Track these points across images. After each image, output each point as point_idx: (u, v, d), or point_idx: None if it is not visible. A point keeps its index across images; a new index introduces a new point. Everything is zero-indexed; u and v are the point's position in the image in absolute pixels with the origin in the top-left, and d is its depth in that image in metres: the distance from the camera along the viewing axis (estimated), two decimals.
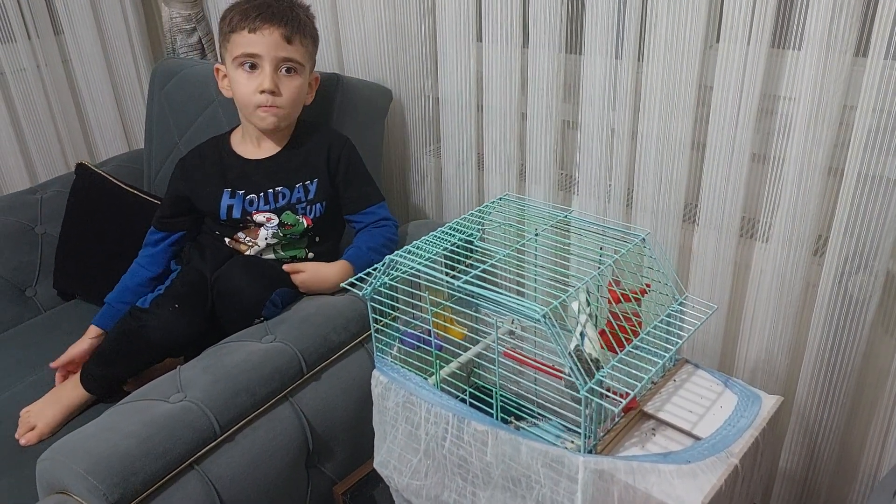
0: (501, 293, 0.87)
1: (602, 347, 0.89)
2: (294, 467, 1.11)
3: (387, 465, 1.07)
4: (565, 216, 1.07)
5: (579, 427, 0.86)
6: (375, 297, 1.01)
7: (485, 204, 1.12)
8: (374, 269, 1.00)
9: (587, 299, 0.91)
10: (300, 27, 1.27)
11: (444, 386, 1.02)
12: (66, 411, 1.19)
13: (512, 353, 1.01)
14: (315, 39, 1.33)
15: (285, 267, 1.27)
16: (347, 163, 1.33)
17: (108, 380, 1.21)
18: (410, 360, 1.03)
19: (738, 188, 1.15)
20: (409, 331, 1.04)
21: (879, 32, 0.95)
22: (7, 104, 1.81)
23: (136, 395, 1.05)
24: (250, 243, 1.32)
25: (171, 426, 0.98)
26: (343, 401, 1.17)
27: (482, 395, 1.03)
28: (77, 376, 1.22)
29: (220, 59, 1.34)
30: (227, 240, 1.33)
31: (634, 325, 0.94)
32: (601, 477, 0.84)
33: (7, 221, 1.59)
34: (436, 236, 1.05)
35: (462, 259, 1.03)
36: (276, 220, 1.30)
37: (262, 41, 1.23)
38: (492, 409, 0.96)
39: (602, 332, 0.92)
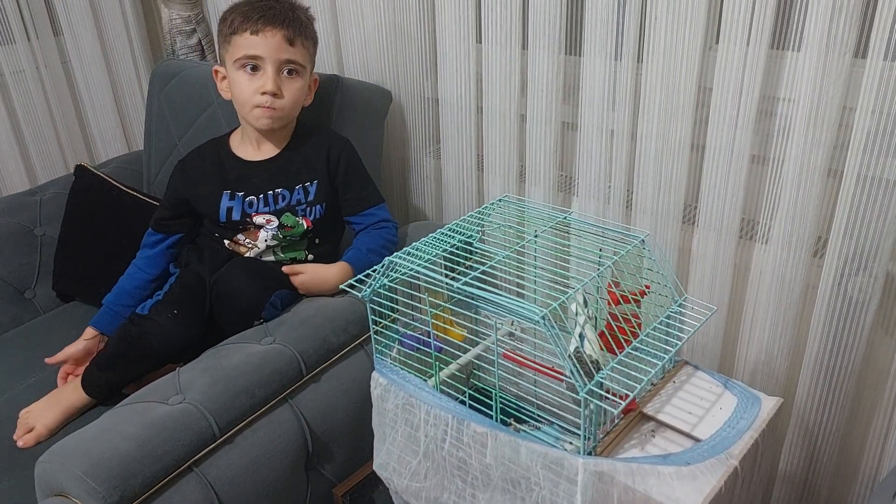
0: (501, 295, 0.87)
1: (601, 349, 0.89)
2: (293, 469, 1.11)
3: (386, 466, 1.07)
4: (565, 217, 1.07)
5: (579, 429, 0.86)
6: (375, 298, 1.01)
7: (484, 205, 1.12)
8: (374, 271, 1.00)
9: (586, 301, 0.91)
10: (302, 29, 1.27)
11: (443, 388, 1.02)
12: (66, 413, 1.19)
13: (511, 354, 1.01)
14: (315, 41, 1.33)
15: (285, 268, 1.27)
16: (347, 164, 1.33)
17: (109, 384, 1.21)
18: (410, 362, 1.03)
19: (738, 189, 1.15)
20: (409, 332, 1.04)
21: (879, 33, 0.95)
22: (6, 105, 1.81)
23: (135, 398, 1.05)
24: (250, 245, 1.32)
25: (171, 428, 0.98)
26: (343, 402, 1.17)
27: (482, 397, 1.03)
28: (78, 379, 1.22)
29: (219, 61, 1.34)
30: (226, 242, 1.33)
31: (634, 327, 0.94)
32: (601, 479, 0.84)
33: (6, 223, 1.59)
34: (435, 238, 1.05)
35: (462, 260, 1.03)
36: (275, 222, 1.30)
37: (265, 43, 1.23)
38: (491, 410, 0.96)
39: (601, 334, 0.92)
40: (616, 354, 0.89)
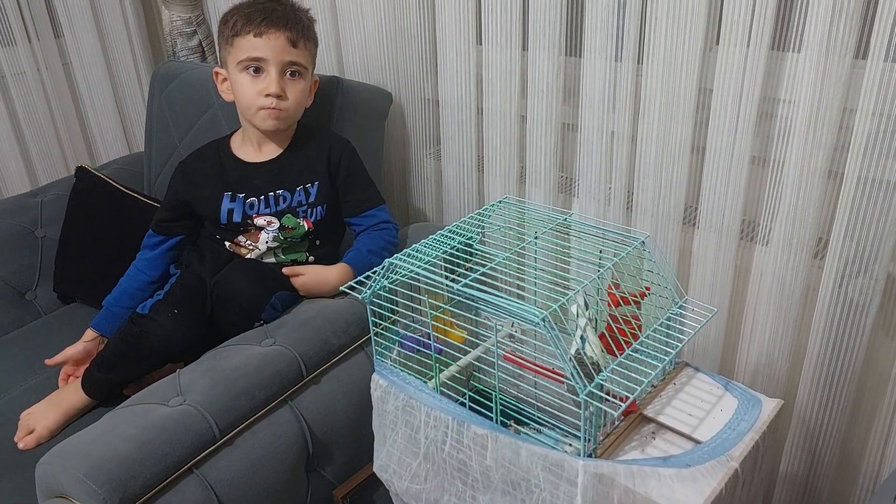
0: (501, 296, 0.87)
1: (602, 351, 0.89)
2: (294, 471, 1.11)
3: (386, 468, 1.07)
4: (565, 219, 1.07)
5: (579, 431, 0.86)
6: (375, 300, 1.01)
7: (485, 207, 1.12)
8: (374, 272, 1.00)
9: (587, 302, 0.91)
10: (304, 31, 1.28)
11: (443, 389, 1.02)
12: (66, 415, 1.19)
13: (511, 356, 1.01)
14: (316, 43, 1.34)
15: (285, 270, 1.27)
16: (348, 165, 1.33)
17: (109, 384, 1.21)
18: (410, 364, 1.03)
19: (738, 191, 1.15)
20: (409, 334, 1.04)
21: (879, 35, 0.95)
22: (7, 107, 1.81)
23: (135, 399, 1.05)
24: (251, 247, 1.32)
25: (171, 430, 0.98)
26: (343, 404, 1.17)
27: (482, 399, 1.03)
28: (78, 381, 1.22)
29: (220, 63, 1.34)
30: (227, 244, 1.33)
31: (634, 329, 0.94)
32: (601, 481, 0.84)
33: (7, 225, 1.59)
34: (435, 239, 1.05)
35: (462, 262, 1.03)
36: (276, 224, 1.30)
37: (268, 45, 1.23)
38: (491, 412, 0.96)
39: (602, 336, 0.92)
40: (616, 356, 0.89)
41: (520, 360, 1.00)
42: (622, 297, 0.95)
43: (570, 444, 0.98)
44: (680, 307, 0.98)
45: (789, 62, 1.07)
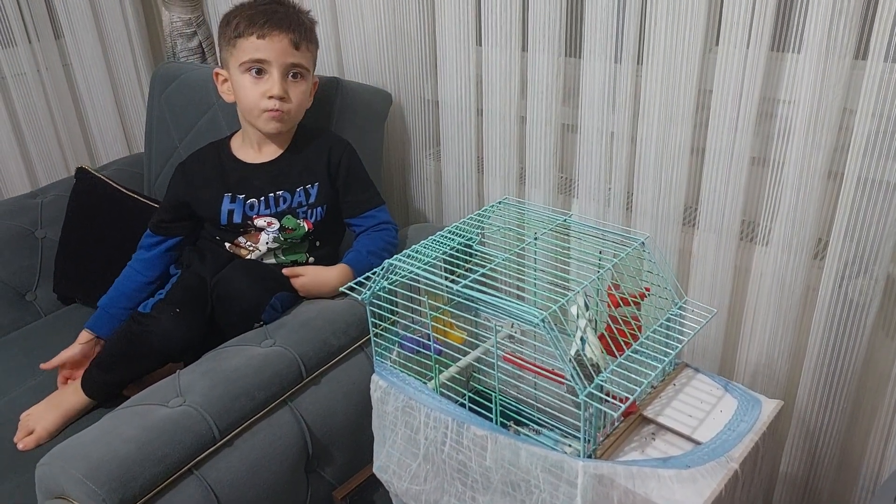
0: (501, 297, 0.87)
1: (602, 352, 0.89)
2: (293, 472, 1.11)
3: (386, 469, 1.07)
4: (565, 220, 1.07)
5: (579, 431, 0.86)
6: (375, 301, 1.01)
7: (484, 207, 1.12)
8: (374, 273, 1.00)
9: (586, 303, 0.91)
10: (306, 33, 1.28)
11: (443, 390, 1.02)
12: (66, 416, 1.19)
13: (511, 357, 1.01)
14: (317, 44, 1.34)
15: (285, 271, 1.27)
16: (348, 166, 1.33)
17: (109, 384, 1.21)
18: (410, 365, 1.03)
19: (738, 192, 1.15)
20: (409, 335, 1.04)
21: (879, 35, 0.95)
22: (7, 108, 1.81)
23: (135, 400, 1.05)
24: (251, 248, 1.32)
25: (171, 431, 0.98)
26: (343, 405, 1.17)
27: (482, 400, 1.03)
28: (77, 381, 1.22)
29: (220, 64, 1.34)
30: (227, 245, 1.33)
31: (634, 329, 0.94)
32: (601, 482, 0.84)
33: (7, 225, 1.59)
34: (435, 240, 1.05)
35: (462, 263, 1.03)
36: (276, 225, 1.30)
37: (272, 47, 1.23)
38: (491, 413, 0.96)
39: (601, 337, 0.92)
40: (616, 357, 0.89)
41: (519, 361, 1.00)
42: (622, 298, 0.95)
43: (570, 445, 0.98)
44: (680, 308, 0.98)
45: (789, 63, 1.07)
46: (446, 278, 0.95)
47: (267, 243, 1.30)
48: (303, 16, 1.30)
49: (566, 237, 1.10)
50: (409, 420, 1.01)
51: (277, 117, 1.26)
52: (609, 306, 0.95)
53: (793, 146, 1.08)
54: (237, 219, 1.30)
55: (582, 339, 0.87)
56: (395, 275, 1.00)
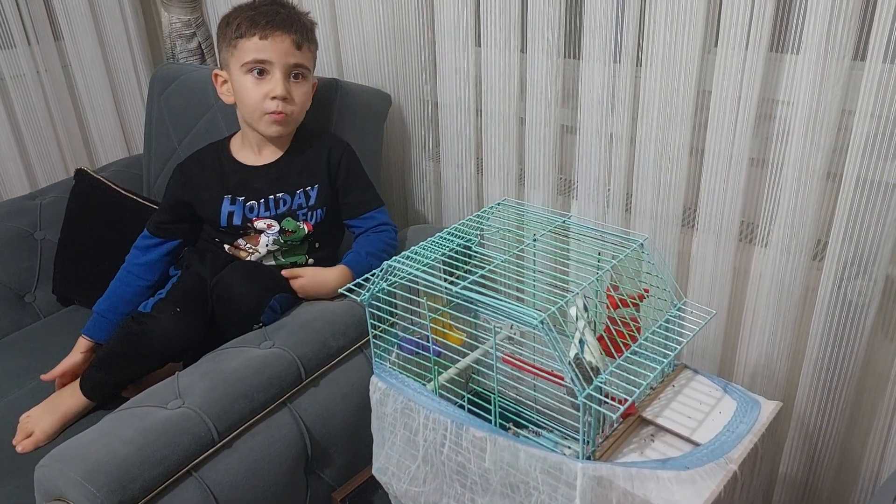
0: (500, 299, 0.87)
1: (601, 353, 0.89)
2: (293, 473, 1.11)
3: (385, 471, 1.07)
4: (564, 221, 1.07)
5: (578, 433, 0.86)
6: (374, 302, 1.01)
7: (484, 209, 1.12)
8: (373, 275, 1.00)
9: (585, 305, 0.91)
10: (308, 34, 1.28)
11: (442, 392, 1.02)
12: (64, 419, 1.18)
13: (510, 358, 1.01)
14: (317, 45, 1.34)
15: (284, 272, 1.27)
16: (347, 168, 1.33)
17: (108, 385, 1.20)
18: (409, 366, 1.03)
19: (737, 193, 1.15)
20: (408, 336, 1.04)
21: (878, 36, 0.95)
22: (7, 109, 1.81)
23: (134, 402, 1.05)
24: (251, 250, 1.31)
25: (170, 433, 0.98)
26: (342, 407, 1.17)
27: (481, 402, 1.03)
28: (76, 383, 1.21)
29: (219, 65, 1.34)
30: (226, 247, 1.33)
31: (633, 331, 0.94)
32: (599, 483, 0.83)
33: (6, 227, 1.59)
34: (434, 241, 1.04)
35: (461, 264, 1.03)
36: (276, 227, 1.30)
37: (274, 48, 1.23)
38: (490, 415, 0.96)
39: (600, 338, 0.92)
40: (615, 358, 0.89)
41: (518, 363, 1.00)
42: (621, 300, 0.95)
43: (569, 447, 0.97)
44: (679, 309, 0.98)
45: (788, 64, 1.07)
46: (445, 280, 0.95)
47: (267, 245, 1.30)
48: (303, 17, 1.30)
49: (565, 238, 1.10)
50: (408, 421, 1.01)
51: (280, 120, 1.26)
52: (608, 308, 0.95)
53: (792, 147, 1.08)
54: (237, 221, 1.30)
55: (581, 341, 0.87)
56: (394, 276, 1.00)
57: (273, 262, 1.32)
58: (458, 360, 1.05)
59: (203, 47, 1.88)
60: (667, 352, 0.93)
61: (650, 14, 1.13)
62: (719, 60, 1.09)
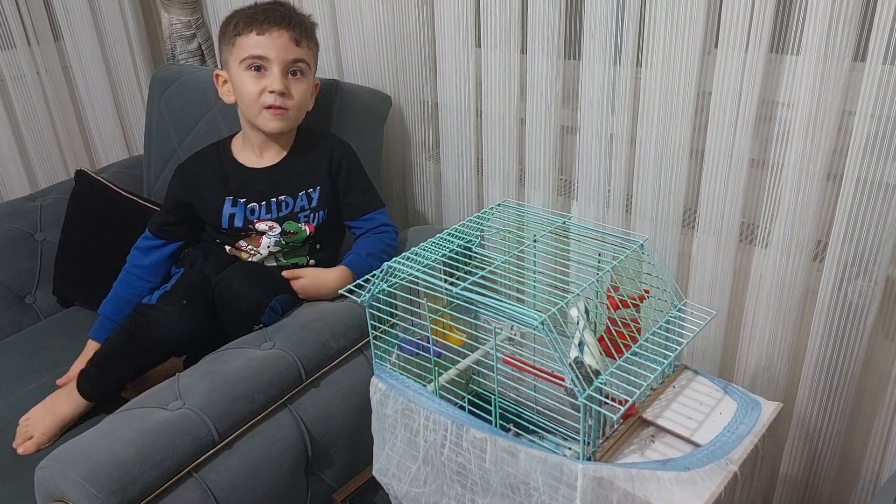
0: (500, 300, 0.87)
1: (601, 354, 0.89)
2: (293, 474, 1.11)
3: (386, 472, 1.07)
4: (564, 222, 1.07)
5: (578, 434, 0.86)
6: (374, 303, 1.01)
7: (484, 210, 1.12)
8: (373, 276, 1.00)
9: (586, 306, 0.91)
10: (307, 31, 1.28)
11: (442, 393, 1.02)
12: (64, 420, 1.18)
13: (511, 359, 1.01)
14: (318, 46, 1.34)
15: (285, 273, 1.27)
16: (348, 168, 1.33)
17: (107, 383, 1.19)
18: (409, 367, 1.03)
19: (737, 194, 1.15)
20: (408, 337, 1.04)
21: (877, 37, 0.95)
22: (7, 110, 1.81)
23: (134, 403, 1.05)
24: (252, 251, 1.31)
25: (170, 434, 0.98)
26: (342, 407, 1.17)
27: (481, 402, 1.03)
28: (73, 385, 1.20)
29: (220, 65, 1.34)
30: (227, 248, 1.33)
31: (633, 332, 0.94)
32: (600, 484, 0.83)
33: (7, 228, 1.59)
34: (434, 242, 1.04)
35: (461, 265, 1.03)
36: (278, 229, 1.30)
37: (272, 43, 1.23)
38: (491, 416, 0.96)
39: (601, 339, 0.92)
40: (615, 359, 0.89)
41: (519, 364, 1.00)
42: (621, 300, 0.95)
43: (570, 448, 0.97)
44: (679, 310, 0.98)
45: (788, 65, 1.07)
46: (446, 280, 0.95)
47: (268, 247, 1.30)
48: (303, 16, 1.30)
49: (566, 239, 1.10)
50: (408, 422, 1.01)
51: (279, 115, 1.25)
52: (608, 308, 0.95)
53: (792, 148, 1.08)
54: (238, 223, 1.30)
55: (581, 343, 0.87)
56: (394, 277, 1.00)
57: (274, 263, 1.32)
58: (459, 361, 1.05)
59: (203, 48, 1.88)
60: (667, 353, 0.93)
61: (650, 15, 1.13)
62: (719, 61, 1.09)
